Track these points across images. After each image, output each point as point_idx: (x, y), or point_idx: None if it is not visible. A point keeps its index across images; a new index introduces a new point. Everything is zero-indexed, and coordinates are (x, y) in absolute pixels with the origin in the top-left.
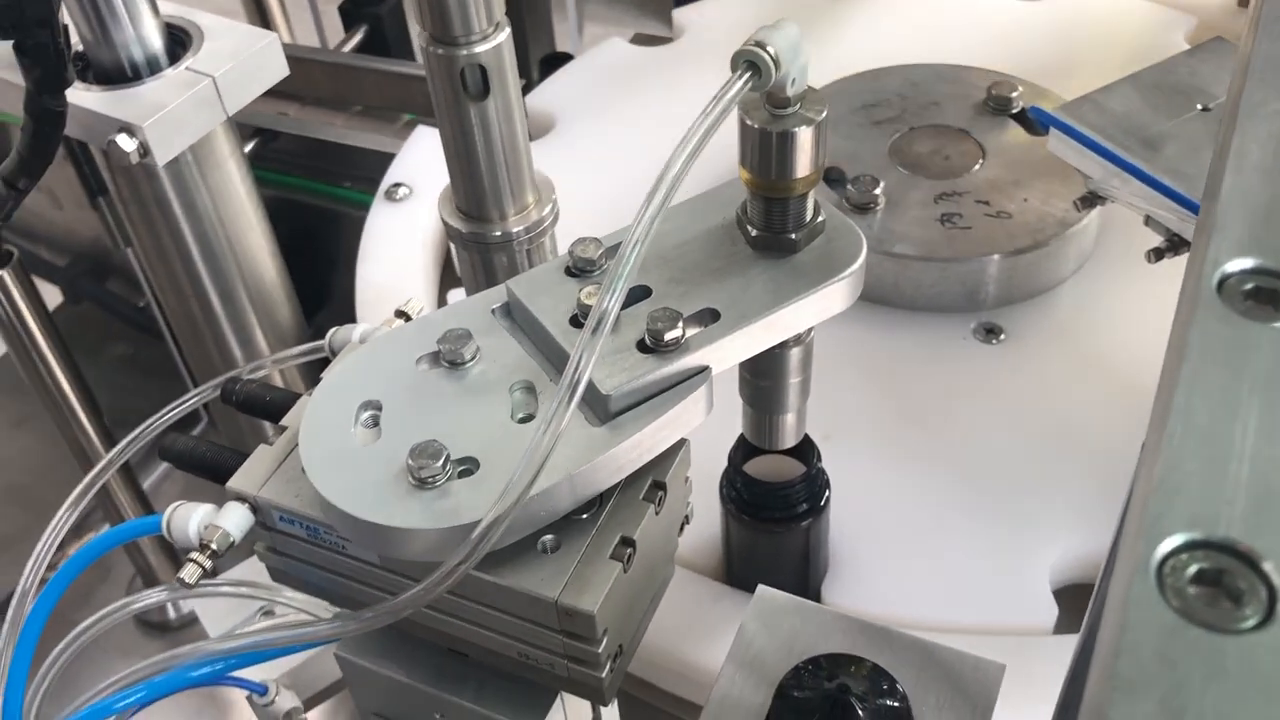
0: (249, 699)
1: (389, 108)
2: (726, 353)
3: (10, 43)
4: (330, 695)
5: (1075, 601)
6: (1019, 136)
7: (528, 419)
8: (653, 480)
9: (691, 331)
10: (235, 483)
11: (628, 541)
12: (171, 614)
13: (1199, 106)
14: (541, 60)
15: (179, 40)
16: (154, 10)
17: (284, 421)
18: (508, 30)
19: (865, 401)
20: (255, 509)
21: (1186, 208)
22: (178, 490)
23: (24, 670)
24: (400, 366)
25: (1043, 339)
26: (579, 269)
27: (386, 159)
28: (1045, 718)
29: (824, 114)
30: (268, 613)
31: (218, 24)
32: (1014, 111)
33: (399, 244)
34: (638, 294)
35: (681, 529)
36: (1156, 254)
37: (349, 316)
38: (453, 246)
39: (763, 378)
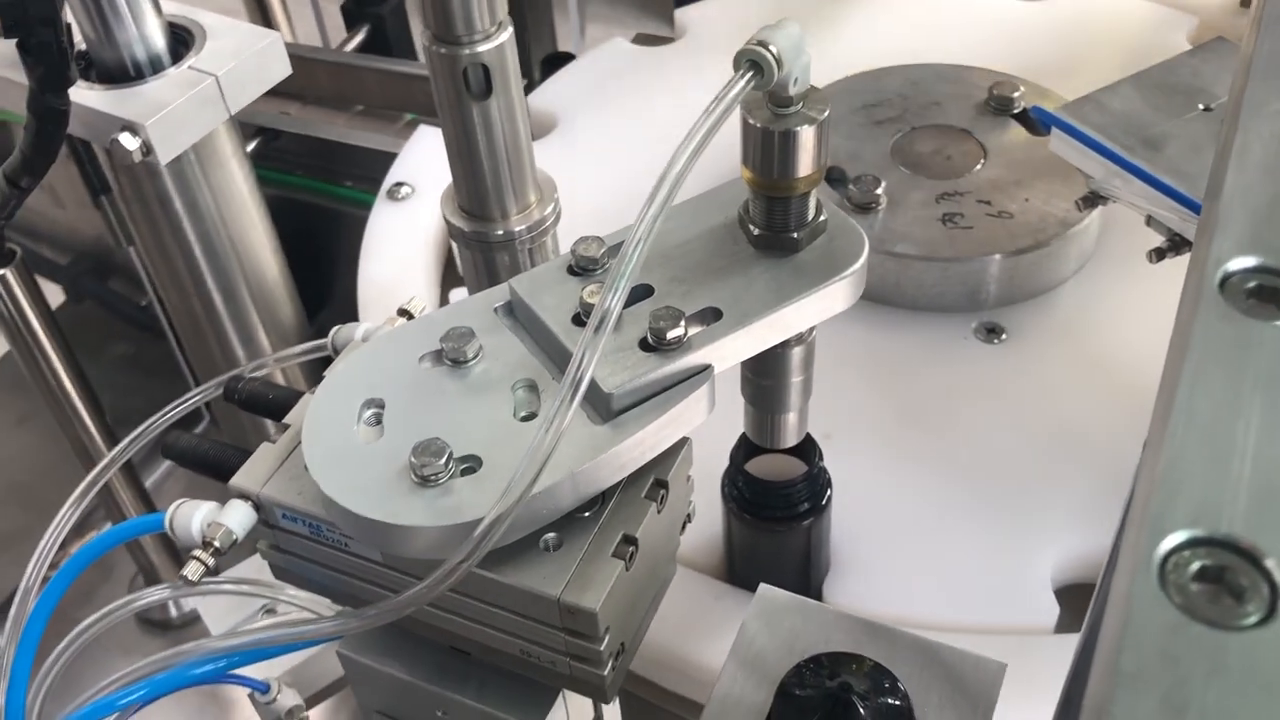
0: (251, 697)
1: (391, 107)
2: (728, 351)
3: (14, 41)
4: (332, 693)
5: (1076, 601)
6: (1020, 136)
7: (530, 417)
8: (655, 478)
9: (694, 330)
10: (238, 480)
11: (630, 540)
12: (173, 612)
13: (1201, 106)
14: (543, 60)
15: (181, 39)
16: (157, 9)
17: (286, 419)
18: (510, 29)
19: (867, 401)
20: (258, 506)
21: (1188, 208)
22: (180, 489)
23: (26, 668)
24: (403, 364)
25: (1044, 339)
26: (581, 268)
27: (388, 158)
28: (1046, 717)
29: (826, 113)
30: (269, 611)
31: (220, 23)
32: (1015, 111)
33: (401, 243)
34: (640, 293)
35: (683, 528)
36: (1158, 254)
37: (351, 316)
38: (455, 245)
39: (764, 377)
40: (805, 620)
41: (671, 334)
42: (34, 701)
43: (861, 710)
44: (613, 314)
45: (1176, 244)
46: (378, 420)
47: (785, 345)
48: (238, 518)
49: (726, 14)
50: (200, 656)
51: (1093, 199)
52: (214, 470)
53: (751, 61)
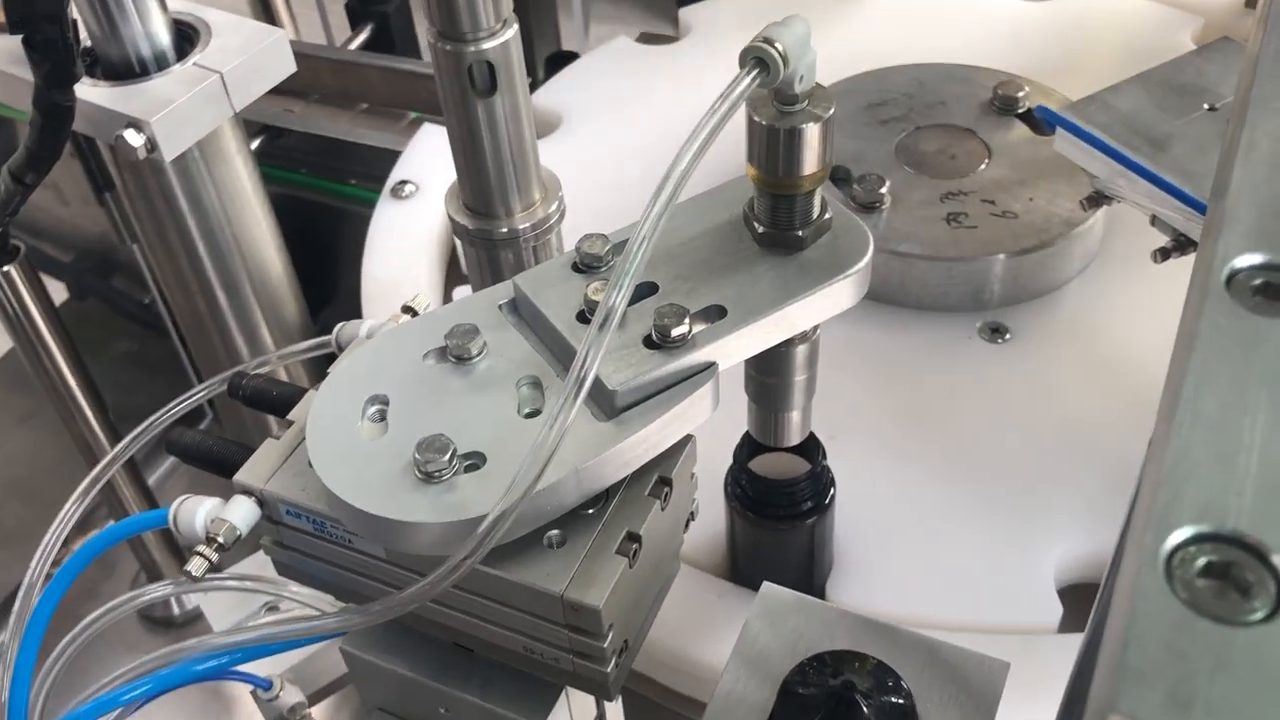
0: (253, 694)
1: (395, 105)
2: (733, 349)
3: (19, 37)
4: (335, 690)
5: (1080, 601)
6: (1025, 136)
7: (534, 414)
8: (658, 476)
9: (698, 328)
10: (242, 476)
11: (633, 537)
12: (176, 610)
13: (1206, 106)
14: (547, 59)
15: (186, 36)
16: (162, 6)
17: (290, 416)
18: (515, 27)
19: (870, 400)
20: (262, 503)
21: (1193, 207)
22: (182, 487)
23: (29, 664)
24: (407, 361)
25: (1048, 338)
26: (586, 265)
27: (392, 156)
28: (1049, 717)
29: (832, 111)
30: (272, 608)
31: (225, 20)
32: (1020, 111)
33: (405, 241)
34: (644, 290)
35: (687, 525)
36: (1163, 254)
37: (354, 313)
38: (459, 243)
39: (768, 375)
40: (808, 619)
41: (676, 331)
42: (37, 698)
43: (864, 709)
44: (617, 311)
45: (1181, 244)
46: (382, 417)
47: (789, 343)
48: (241, 513)
49: (731, 12)
50: (203, 653)
51: (1097, 199)
52: (218, 466)
53: (757, 59)
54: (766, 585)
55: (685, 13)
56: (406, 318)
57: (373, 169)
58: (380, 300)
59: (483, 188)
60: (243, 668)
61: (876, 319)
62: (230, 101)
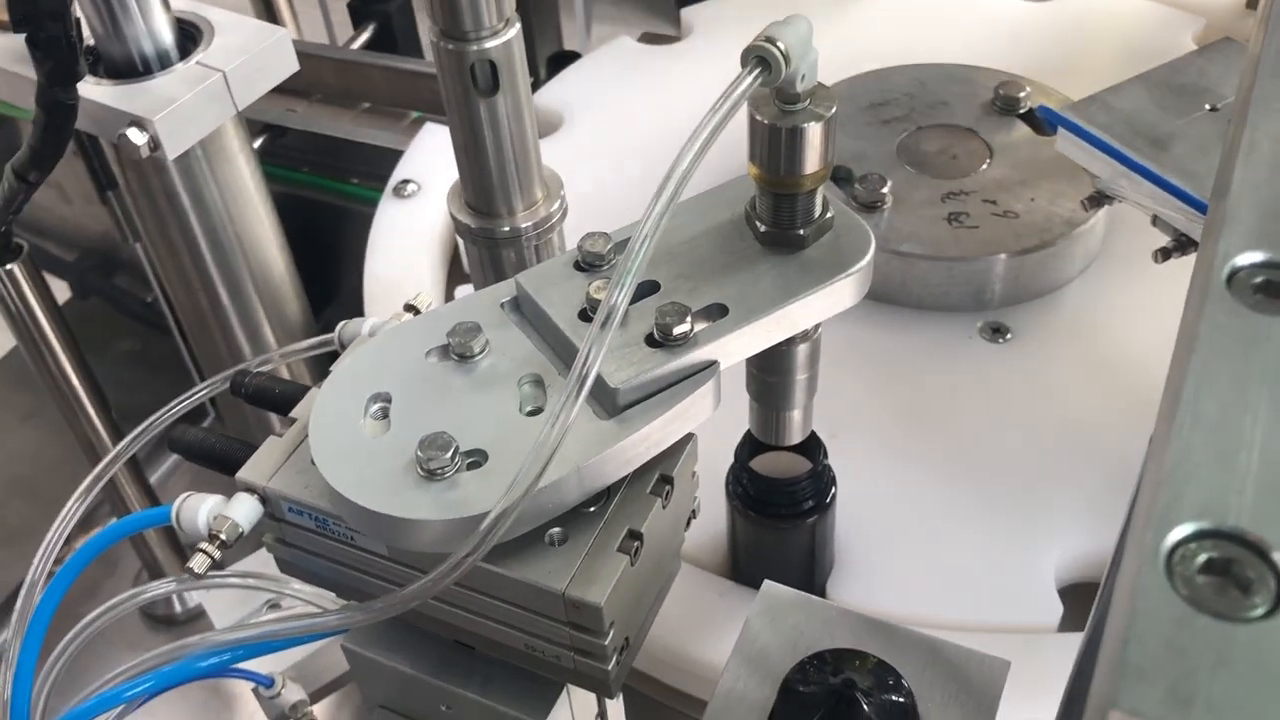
0: (255, 691)
1: (397, 104)
2: (734, 348)
3: (23, 36)
4: (336, 688)
5: (1080, 600)
6: (1026, 136)
7: (536, 412)
8: (660, 474)
9: (700, 326)
10: (244, 474)
11: (635, 535)
12: (178, 608)
13: (1207, 106)
14: (549, 59)
15: (189, 35)
16: (165, 5)
17: (293, 414)
18: (518, 26)
19: (871, 399)
20: (264, 500)
21: (1194, 208)
22: (184, 485)
23: (32, 662)
24: (410, 359)
25: (1049, 338)
26: (588, 263)
27: (394, 155)
28: (1050, 716)
29: (833, 110)
30: (274, 606)
31: (228, 19)
32: (1022, 111)
33: (407, 240)
34: (646, 289)
35: (688, 524)
36: (1164, 254)
37: (357, 312)
38: (461, 242)
39: (770, 373)
40: (809, 617)
41: (677, 330)
42: (39, 695)
43: (865, 707)
44: (619, 309)
45: (1182, 244)
46: (384, 414)
47: (791, 342)
48: (244, 511)
49: (732, 12)
50: (205, 650)
51: (1098, 199)
52: (220, 464)
53: (759, 58)
54: (767, 584)
55: (687, 13)
56: (409, 316)
57: (375, 168)
58: (382, 299)
59: (485, 186)
60: (244, 665)
61: (878, 318)
62: (233, 100)
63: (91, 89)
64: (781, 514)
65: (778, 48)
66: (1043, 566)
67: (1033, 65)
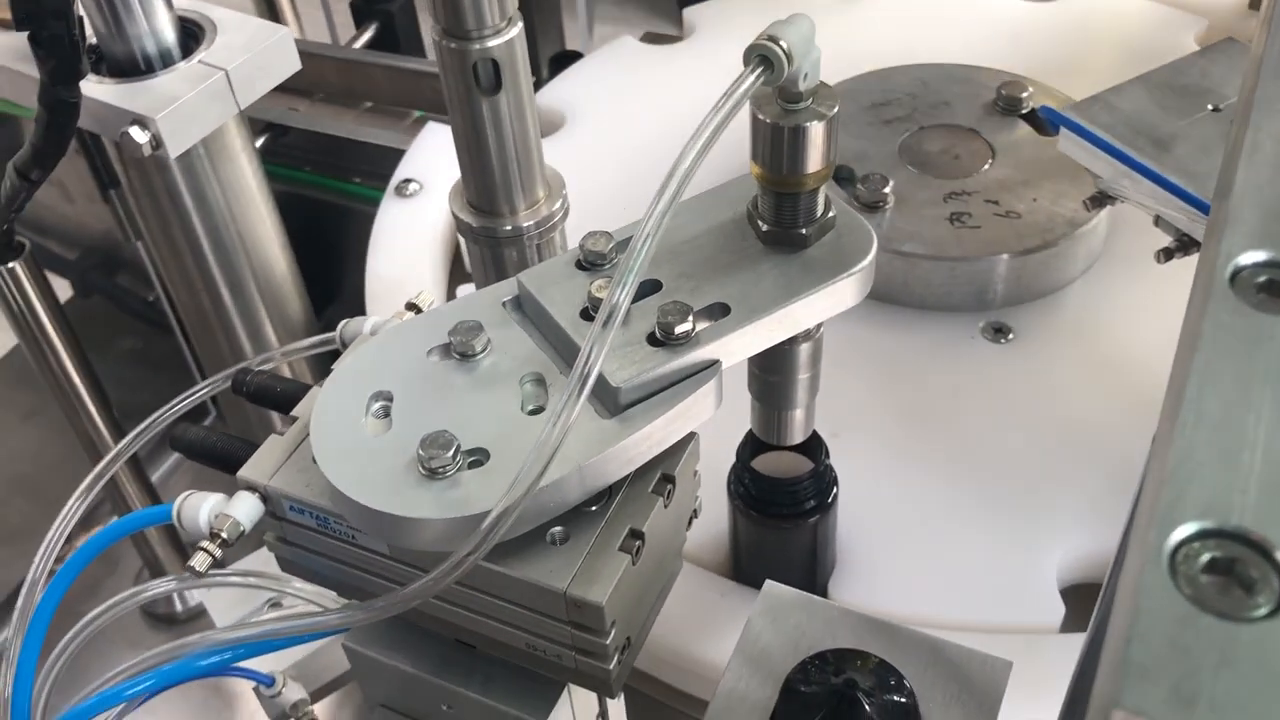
0: (256, 690)
1: (399, 104)
2: (736, 347)
3: (25, 34)
4: (337, 687)
5: (1082, 601)
6: (1029, 136)
7: (538, 411)
8: (662, 473)
9: (701, 325)
10: (246, 472)
11: (636, 534)
12: (179, 606)
13: (1210, 107)
14: (551, 58)
15: (192, 33)
16: (167, 3)
17: (294, 412)
18: (520, 24)
19: (873, 399)
20: (265, 498)
21: (1197, 208)
22: (185, 484)
23: (33, 660)
24: (411, 357)
25: (1051, 339)
26: (590, 262)
27: (396, 155)
28: (1051, 716)
29: (836, 109)
30: (275, 604)
31: (230, 18)
32: (1024, 111)
33: (408, 239)
34: (648, 288)
35: (689, 523)
36: (1166, 254)
37: (358, 311)
38: (463, 241)
39: (772, 373)
40: (810, 617)
41: (679, 329)
42: (40, 693)
43: (867, 707)
44: (621, 308)
45: (1185, 244)
46: (386, 413)
47: (793, 341)
48: (245, 509)
49: (734, 12)
50: (206, 648)
51: (1101, 199)
52: (222, 462)
53: (761, 56)
54: (769, 583)
55: (689, 12)
56: (410, 315)
57: (377, 167)
58: (384, 298)
59: (487, 185)
60: (245, 664)
61: (880, 318)
62: (235, 99)
63: (94, 87)
64: (783, 514)
65: (780, 46)
66: (1045, 567)
67: (1035, 65)
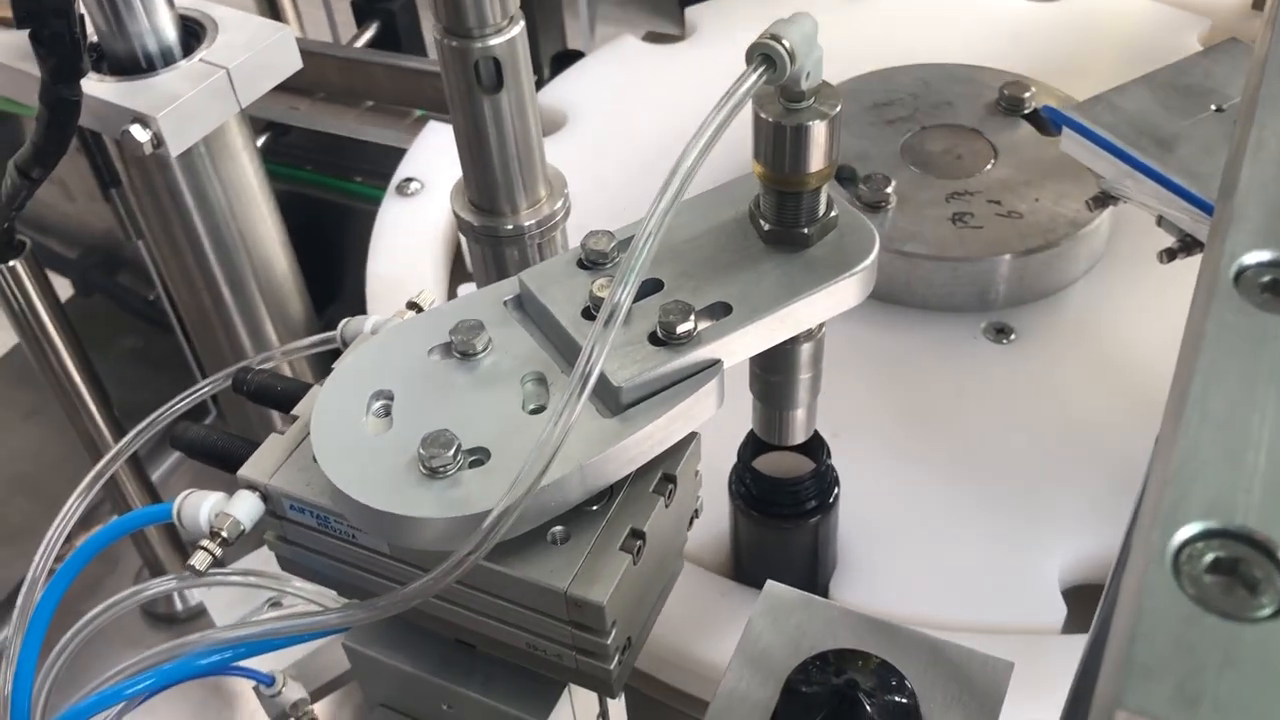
0: (256, 689)
1: (401, 103)
2: (738, 346)
3: (26, 32)
4: (337, 687)
5: (1083, 602)
6: (1031, 136)
7: (539, 410)
8: (663, 473)
9: (703, 325)
10: (246, 471)
11: (637, 534)
12: (179, 606)
13: (1213, 107)
14: (553, 58)
15: (193, 32)
16: (168, 2)
17: (295, 411)
18: (521, 23)
19: (875, 399)
20: (266, 497)
21: (1200, 208)
22: (186, 483)
23: (32, 659)
24: (412, 356)
25: (1053, 339)
26: (591, 261)
27: (398, 154)
28: (1053, 717)
29: (838, 108)
30: (275, 604)
31: (232, 16)
32: (1026, 111)
33: (410, 238)
34: (650, 287)
35: (690, 523)
36: (1169, 255)
37: (359, 311)
38: (464, 240)
39: (773, 373)
40: (811, 617)
41: (681, 328)
42: (40, 692)
43: (867, 707)
44: (622, 308)
45: (1187, 244)
46: (387, 412)
47: (794, 341)
48: (245, 508)
49: (736, 12)
50: (206, 647)
51: (1103, 199)
52: (222, 461)
53: (764, 55)
54: (770, 584)
55: (690, 12)
56: (411, 314)
57: (378, 166)
58: (385, 297)
59: (488, 184)
60: (245, 663)
61: (881, 318)
62: (236, 97)
63: (95, 86)
64: (784, 514)
65: (783, 45)
66: (1046, 568)
67: (1037, 65)
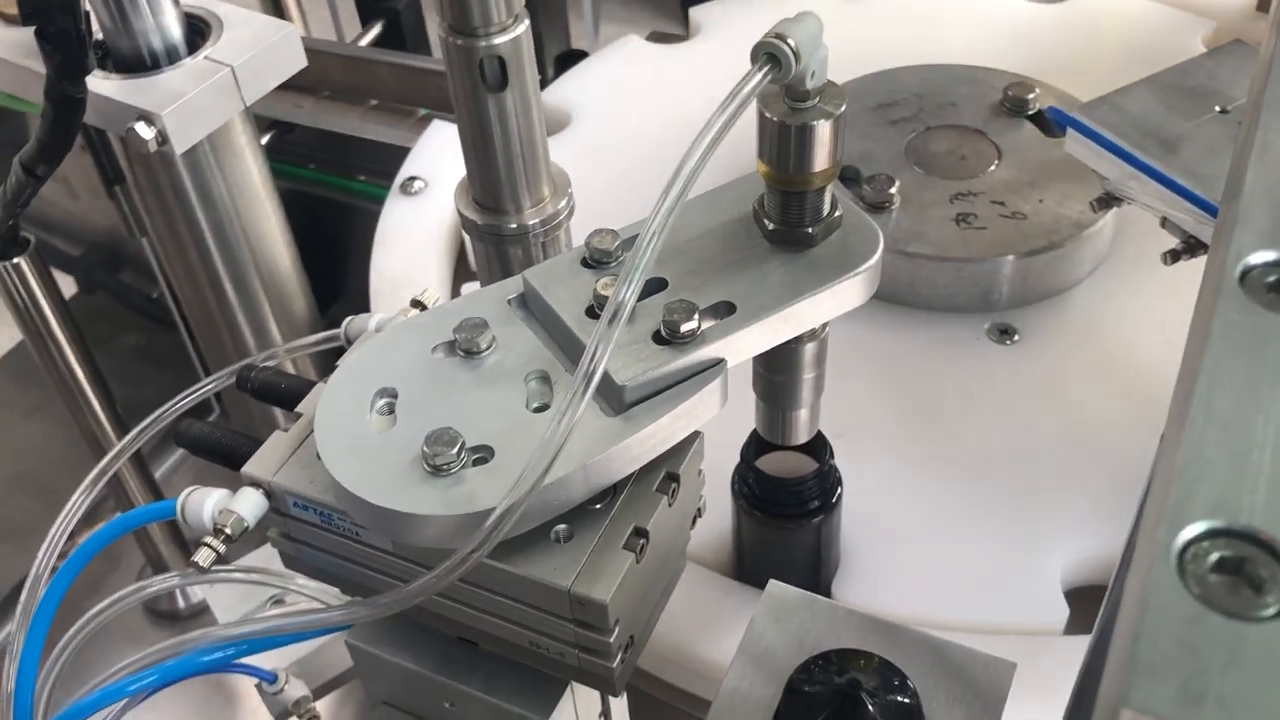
0: (258, 687)
1: (405, 102)
2: (742, 345)
3: (32, 29)
4: (339, 685)
5: (1086, 603)
6: (1035, 137)
7: (543, 408)
8: (666, 472)
9: (707, 324)
10: (250, 468)
11: (641, 532)
12: (181, 603)
13: (1217, 109)
14: (557, 57)
15: (198, 30)
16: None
17: (299, 409)
18: (526, 22)
19: (878, 400)
20: (269, 495)
21: (1204, 209)
22: (189, 481)
23: (35, 656)
24: (416, 354)
25: (1057, 340)
26: (595, 260)
27: (402, 153)
28: (1056, 717)
29: (843, 108)
30: (278, 601)
31: (237, 14)
32: (1030, 112)
33: (413, 237)
34: (654, 286)
35: (694, 522)
36: (1173, 256)
37: (363, 309)
38: (468, 239)
39: (777, 372)
40: (814, 617)
41: (685, 327)
42: (43, 689)
43: (870, 707)
44: (626, 306)
45: (1192, 246)
46: (390, 410)
47: (798, 341)
48: (249, 505)
49: (740, 12)
50: (208, 644)
51: (1107, 200)
52: (226, 458)
53: (769, 54)
54: (772, 583)
55: (694, 12)
56: (415, 312)
57: (382, 165)
58: (389, 295)
59: (492, 183)
60: (248, 660)
61: (885, 319)
62: (241, 95)
63: (99, 83)
64: (787, 514)
65: (788, 44)
66: (1049, 568)
67: (1042, 67)
